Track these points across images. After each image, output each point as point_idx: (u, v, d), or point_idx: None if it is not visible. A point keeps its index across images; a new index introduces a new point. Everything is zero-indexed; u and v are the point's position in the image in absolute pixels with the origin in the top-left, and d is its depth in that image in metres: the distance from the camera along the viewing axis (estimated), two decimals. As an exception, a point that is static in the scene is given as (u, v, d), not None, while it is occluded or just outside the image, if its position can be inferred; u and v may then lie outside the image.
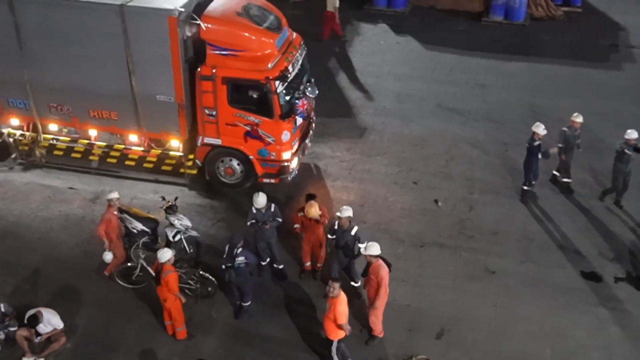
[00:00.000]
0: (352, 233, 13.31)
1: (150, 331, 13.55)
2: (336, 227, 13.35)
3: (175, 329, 13.21)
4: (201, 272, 14.09)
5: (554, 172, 17.07)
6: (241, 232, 13.55)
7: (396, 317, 13.61)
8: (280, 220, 14.09)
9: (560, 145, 16.50)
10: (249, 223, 13.97)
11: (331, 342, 12.20)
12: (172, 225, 14.50)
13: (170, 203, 14.72)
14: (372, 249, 12.45)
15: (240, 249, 12.94)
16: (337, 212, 13.66)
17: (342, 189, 17.31)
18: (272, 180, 16.67)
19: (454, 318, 13.71)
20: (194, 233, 14.64)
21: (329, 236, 13.51)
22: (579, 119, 16.45)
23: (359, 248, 13.11)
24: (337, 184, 17.47)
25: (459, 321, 13.69)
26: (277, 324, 13.71)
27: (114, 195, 14.27)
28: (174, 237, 14.37)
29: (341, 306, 11.60)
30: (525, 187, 16.65)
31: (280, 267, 14.70)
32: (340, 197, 16.92)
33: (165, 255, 12.71)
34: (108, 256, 13.89)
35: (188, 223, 14.66)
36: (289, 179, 16.78)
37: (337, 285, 11.72)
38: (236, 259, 12.96)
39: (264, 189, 15.34)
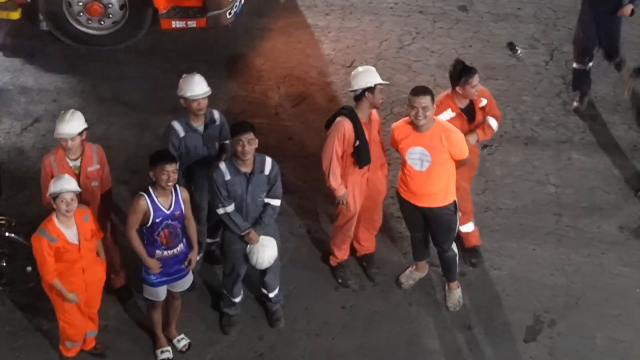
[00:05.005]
0: (266, 172, 7.57)
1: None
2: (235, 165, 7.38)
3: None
4: (7, 234, 8.97)
5: None
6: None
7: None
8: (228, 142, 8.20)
9: None
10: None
11: None
12: None
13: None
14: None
15: None
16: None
17: (338, 32, 11.83)
18: (191, 24, 11.05)
19: (566, 296, 8.58)
20: None
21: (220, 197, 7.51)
22: None
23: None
24: (325, 24, 11.89)
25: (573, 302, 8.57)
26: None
27: None
28: None
29: None
30: None
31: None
32: (336, 47, 11.71)
33: None
34: None
35: None
36: (228, 18, 11.11)
37: None
38: None
39: (175, 52, 10.78)
